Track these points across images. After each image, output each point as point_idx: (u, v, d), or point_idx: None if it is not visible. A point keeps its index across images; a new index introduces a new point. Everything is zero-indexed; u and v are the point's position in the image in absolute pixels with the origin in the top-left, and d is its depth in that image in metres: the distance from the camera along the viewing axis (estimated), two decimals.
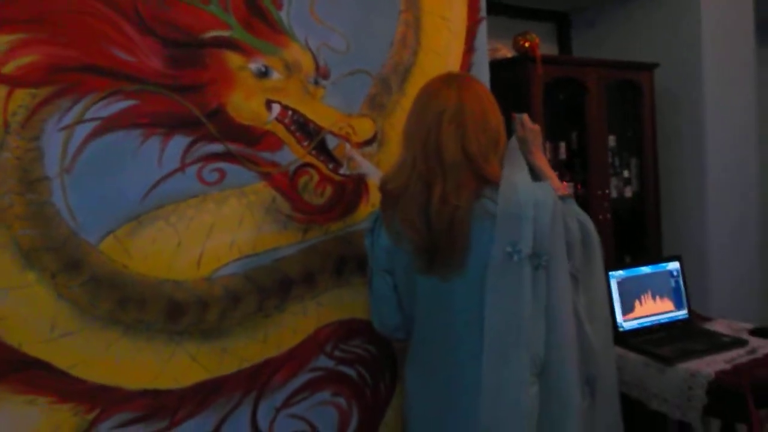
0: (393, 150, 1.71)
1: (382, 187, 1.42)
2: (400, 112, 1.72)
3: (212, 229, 1.44)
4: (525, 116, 1.57)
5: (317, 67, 1.59)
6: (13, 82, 1.23)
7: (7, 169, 1.22)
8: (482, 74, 1.90)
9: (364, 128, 1.67)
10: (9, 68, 1.22)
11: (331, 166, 1.61)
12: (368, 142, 1.68)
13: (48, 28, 1.26)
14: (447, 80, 1.41)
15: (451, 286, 1.32)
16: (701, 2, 2.71)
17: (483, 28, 1.92)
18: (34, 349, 1.25)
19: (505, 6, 2.88)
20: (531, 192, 1.30)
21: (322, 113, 1.60)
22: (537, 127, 1.58)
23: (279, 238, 1.53)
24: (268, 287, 1.51)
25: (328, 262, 1.61)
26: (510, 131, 1.47)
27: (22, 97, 1.24)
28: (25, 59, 1.24)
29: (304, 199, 1.57)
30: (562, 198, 1.44)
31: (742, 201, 2.93)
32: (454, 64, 1.85)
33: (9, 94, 1.23)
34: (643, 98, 2.76)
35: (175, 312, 1.38)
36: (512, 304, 1.27)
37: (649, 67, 2.75)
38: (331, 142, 1.61)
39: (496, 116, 1.36)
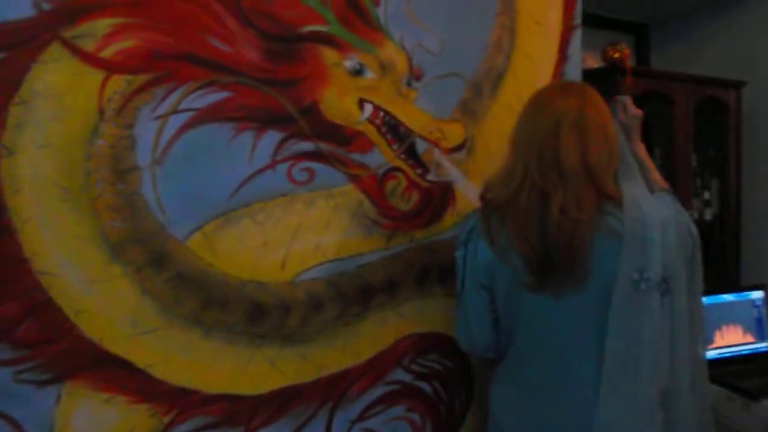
0: (482, 158, 1.63)
1: (484, 196, 1.34)
2: (491, 119, 1.65)
3: (298, 231, 1.38)
4: (628, 99, 1.49)
5: (411, 68, 1.52)
6: (111, 67, 1.19)
7: (100, 157, 1.18)
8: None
9: (455, 134, 1.60)
10: (108, 52, 1.18)
11: (419, 171, 1.54)
12: (457, 149, 1.60)
13: (148, 14, 1.22)
14: (566, 87, 1.33)
15: (566, 304, 1.23)
16: None
17: (577, 36, 1.83)
18: (115, 345, 1.20)
19: (585, 15, 2.78)
20: (657, 211, 1.22)
21: (413, 116, 1.53)
22: (640, 113, 1.51)
23: (363, 244, 1.46)
24: (350, 294, 1.44)
25: (410, 271, 1.53)
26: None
27: (119, 83, 1.20)
28: (124, 44, 1.20)
29: (391, 205, 1.50)
30: (663, 194, 1.36)
31: None
32: (546, 72, 1.76)
33: (106, 80, 1.19)
34: (729, 117, 2.63)
35: (257, 315, 1.33)
36: (638, 334, 1.18)
37: (737, 85, 2.62)
38: (420, 147, 1.54)
39: (613, 129, 1.28)
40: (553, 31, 1.78)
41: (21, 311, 1.13)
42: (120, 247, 1.20)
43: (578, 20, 1.83)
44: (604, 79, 2.16)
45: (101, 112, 1.18)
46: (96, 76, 1.18)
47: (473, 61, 1.63)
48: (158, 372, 1.23)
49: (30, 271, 1.13)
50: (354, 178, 1.44)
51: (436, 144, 1.56)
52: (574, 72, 1.82)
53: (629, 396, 1.19)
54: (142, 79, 1.21)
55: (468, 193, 1.62)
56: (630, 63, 2.05)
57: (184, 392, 1.26)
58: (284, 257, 1.36)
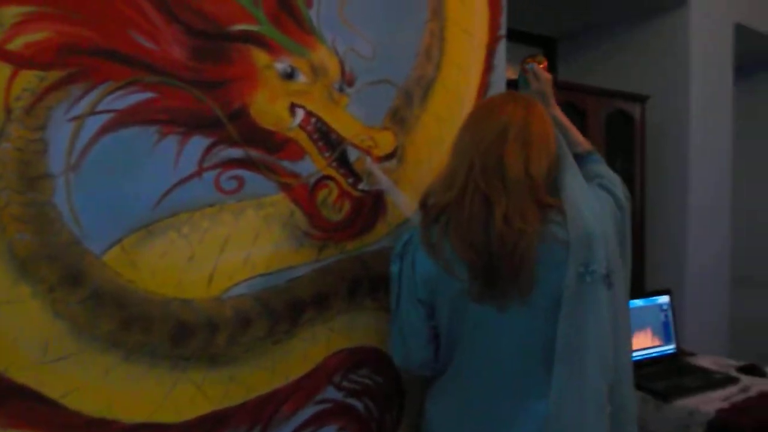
0: (412, 167, 1.60)
1: (425, 203, 1.31)
2: (421, 128, 1.62)
3: (227, 244, 1.29)
4: (536, 66, 1.52)
5: (343, 73, 1.46)
6: (20, 61, 1.05)
7: (6, 162, 1.04)
8: (500, 91, 1.82)
9: (386, 142, 1.55)
10: (16, 45, 1.05)
11: (350, 180, 1.48)
12: (388, 158, 1.56)
13: (63, 3, 1.09)
14: (512, 97, 1.33)
15: (512, 316, 1.22)
16: (689, 36, 2.73)
17: (503, 46, 1.84)
18: (22, 375, 1.06)
19: None
20: (595, 209, 1.23)
21: (345, 123, 1.47)
22: (550, 77, 1.55)
23: (294, 257, 1.39)
24: (280, 310, 1.36)
25: (341, 283, 1.47)
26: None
27: (29, 79, 1.06)
28: (34, 36, 1.07)
29: (323, 215, 1.44)
30: (590, 155, 1.39)
31: (718, 238, 2.96)
32: (474, 81, 1.76)
33: (13, 75, 1.05)
34: (635, 130, 2.75)
35: (182, 335, 1.22)
36: (583, 328, 1.19)
37: (642, 99, 2.75)
38: (351, 155, 1.49)
39: (555, 142, 1.28)
40: (480, 41, 1.78)
41: None
42: (29, 264, 1.06)
43: (503, 31, 1.84)
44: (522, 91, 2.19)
45: (8, 111, 1.04)
46: (2, 70, 1.04)
47: (404, 69, 1.59)
48: (72, 402, 1.11)
49: None
50: (285, 187, 1.37)
51: (367, 152, 1.52)
52: (499, 82, 1.83)
53: (577, 394, 1.19)
54: (55, 75, 1.09)
55: (399, 203, 1.58)
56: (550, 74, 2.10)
57: (102, 423, 1.14)
58: (211, 272, 1.26)
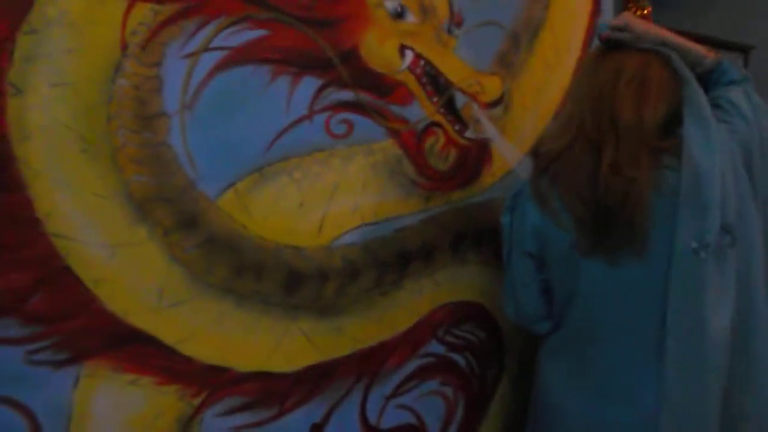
0: (518, 115, 1.51)
1: (537, 151, 1.24)
2: (527, 73, 1.53)
3: (336, 190, 1.23)
4: (624, 15, 1.27)
5: (452, 13, 1.38)
6: None
7: (123, 100, 1.00)
8: None
9: (493, 87, 1.47)
10: None
11: (457, 127, 1.41)
12: (495, 104, 1.48)
13: None
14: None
15: (626, 273, 1.13)
16: None
17: None
18: (141, 319, 1.04)
19: None
20: (713, 161, 1.10)
21: (453, 66, 1.39)
22: (641, 18, 1.41)
23: (401, 206, 1.33)
24: (387, 261, 1.31)
25: (446, 236, 1.41)
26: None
27: (144, 13, 1.02)
28: None
29: (430, 163, 1.37)
30: (718, 66, 1.24)
31: None
32: (581, 25, 1.65)
33: (130, 8, 1.00)
34: None
35: (293, 283, 1.19)
36: (701, 313, 1.09)
37: (746, 49, 2.57)
38: (458, 101, 1.41)
39: (677, 90, 1.17)
40: None
41: (32, 281, 0.95)
42: (146, 207, 1.03)
43: None
44: None
45: (124, 46, 1.00)
46: (118, 2, 0.99)
47: (512, 10, 1.49)
48: (187, 349, 1.08)
49: (43, 233, 0.96)
50: (393, 133, 1.30)
51: (474, 98, 1.43)
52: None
53: (696, 385, 1.10)
54: (170, 9, 1.04)
55: (504, 153, 1.50)
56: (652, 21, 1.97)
57: (216, 371, 1.11)
58: (322, 219, 1.22)
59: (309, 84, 1.18)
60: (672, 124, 1.16)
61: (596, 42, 1.26)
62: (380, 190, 1.29)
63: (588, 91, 1.19)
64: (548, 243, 1.22)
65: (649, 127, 1.13)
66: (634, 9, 1.93)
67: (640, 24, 1.20)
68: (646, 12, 1.92)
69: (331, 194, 1.23)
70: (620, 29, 1.20)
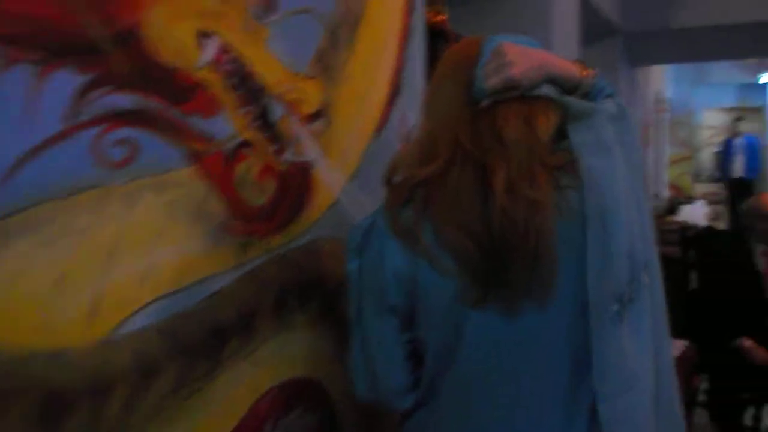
0: (341, 130, 1.20)
1: (391, 179, 0.95)
2: (348, 79, 1.21)
3: (116, 250, 0.78)
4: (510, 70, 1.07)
5: None
6: None
7: None
8: (418, 41, 1.47)
9: (312, 95, 1.13)
10: None
11: (275, 147, 1.04)
12: (316, 116, 1.14)
13: None
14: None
15: (524, 323, 0.89)
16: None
17: None
18: None
19: None
20: (614, 178, 0.92)
21: (268, 65, 1.02)
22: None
23: (211, 262, 0.92)
24: (195, 345, 0.89)
25: (268, 296, 1.03)
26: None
27: None
28: None
29: (243, 198, 0.98)
30: (597, 83, 1.00)
31: None
32: (396, 24, 1.39)
33: None
34: None
35: (53, 412, 0.71)
36: (624, 365, 0.90)
37: None
38: (275, 114, 1.04)
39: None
40: None
41: None
42: None
43: None
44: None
45: None
46: None
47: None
48: None
49: None
50: (195, 157, 0.89)
51: (294, 108, 1.08)
52: (419, 26, 1.47)
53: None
54: None
55: (328, 179, 1.17)
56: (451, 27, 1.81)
57: None
58: (95, 300, 0.76)
59: (65, 81, 0.72)
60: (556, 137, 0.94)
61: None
62: (181, 243, 0.87)
63: (456, 103, 0.93)
64: (420, 293, 0.93)
65: (542, 140, 0.90)
66: (431, 14, 1.75)
67: (527, 70, 0.95)
68: (443, 18, 1.75)
69: (109, 257, 0.77)
70: (509, 89, 0.94)
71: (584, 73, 1.04)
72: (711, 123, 9.72)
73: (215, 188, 0.92)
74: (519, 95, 0.93)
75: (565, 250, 0.88)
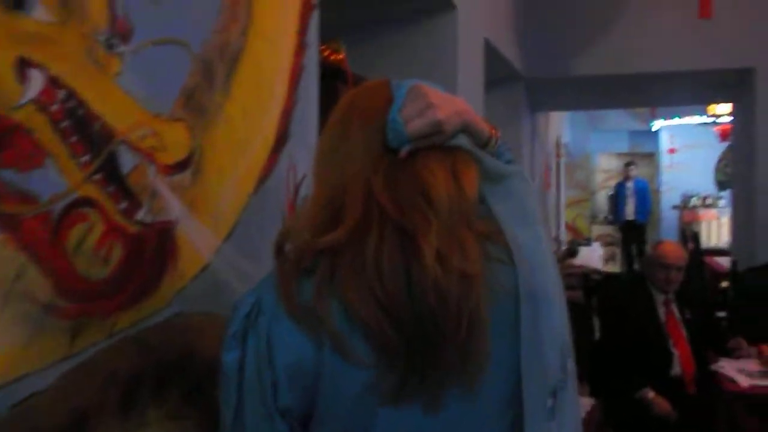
0: (213, 183, 1.02)
1: (283, 247, 0.78)
2: (223, 124, 1.05)
3: None
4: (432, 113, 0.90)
5: (113, 17, 0.83)
6: None
7: None
8: (311, 82, 1.32)
9: (177, 141, 0.95)
10: None
11: (123, 205, 0.85)
12: (181, 166, 0.96)
13: None
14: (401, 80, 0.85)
15: (447, 420, 0.74)
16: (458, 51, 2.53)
17: (315, 20, 1.35)
18: None
19: None
20: (543, 249, 0.81)
21: (116, 105, 0.84)
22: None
23: (28, 357, 0.72)
24: None
25: (111, 390, 0.83)
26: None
27: None
28: None
29: (78, 271, 0.78)
30: (498, 151, 0.87)
31: None
32: (286, 63, 1.23)
33: None
34: None
35: None
36: None
37: None
38: (125, 162, 0.86)
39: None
40: (292, 7, 1.26)
41: None
42: None
43: None
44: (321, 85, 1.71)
45: None
46: None
47: (202, 27, 1.00)
48: None
49: None
50: (8, 222, 0.69)
51: (151, 157, 0.89)
52: (312, 66, 1.33)
53: None
54: None
55: (196, 240, 0.98)
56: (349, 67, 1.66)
57: None
58: None
59: None
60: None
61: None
62: None
63: (367, 155, 0.78)
64: (322, 387, 0.74)
65: (470, 200, 0.77)
66: (327, 53, 1.61)
67: (451, 115, 0.81)
68: (341, 57, 1.61)
69: None
70: (434, 135, 0.80)
71: (493, 131, 0.92)
72: (605, 167, 10.15)
73: (37, 260, 0.72)
74: (440, 143, 0.80)
75: (496, 335, 0.74)
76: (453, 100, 0.84)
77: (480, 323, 0.72)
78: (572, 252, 5.61)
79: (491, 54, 3.19)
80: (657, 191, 9.56)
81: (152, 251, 0.90)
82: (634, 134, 10.20)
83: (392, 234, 0.73)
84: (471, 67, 2.78)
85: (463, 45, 2.61)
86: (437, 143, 0.80)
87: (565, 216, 8.29)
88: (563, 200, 7.98)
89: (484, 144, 0.87)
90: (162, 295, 0.92)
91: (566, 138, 8.18)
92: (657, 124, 9.47)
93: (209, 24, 1.01)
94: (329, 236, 0.74)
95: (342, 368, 0.73)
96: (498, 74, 3.89)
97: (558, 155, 7.20)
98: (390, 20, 2.57)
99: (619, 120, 9.41)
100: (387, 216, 0.74)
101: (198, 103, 0.99)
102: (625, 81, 4.50)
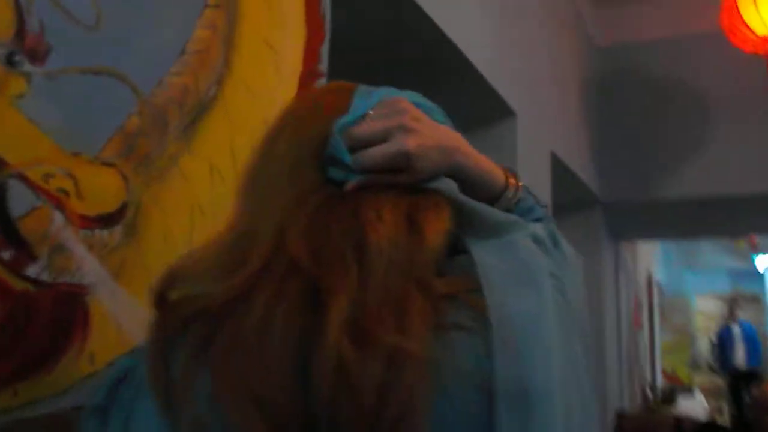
0: (154, 247, 0.83)
1: (164, 294, 0.55)
2: (178, 180, 0.88)
3: None
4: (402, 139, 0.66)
5: (22, 31, 0.70)
6: None
7: None
8: None
9: (103, 189, 0.78)
10: None
11: (10, 254, 0.67)
12: (107, 220, 0.78)
13: None
14: (339, 88, 0.66)
15: None
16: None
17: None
18: None
19: None
20: (547, 327, 0.53)
21: (12, 130, 0.69)
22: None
23: None
24: None
25: None
26: None
27: None
28: None
29: None
30: (516, 202, 0.67)
31: None
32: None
33: None
34: None
35: None
36: None
37: None
38: (20, 203, 0.69)
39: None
40: (291, 67, 1.12)
41: None
42: None
43: (324, 65, 1.20)
44: None
45: None
46: None
47: (156, 68, 0.86)
48: None
49: None
50: None
51: (57, 201, 0.73)
52: None
53: None
54: None
55: (120, 315, 0.78)
56: None
57: None
58: None
59: None
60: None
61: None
62: None
63: (294, 182, 0.58)
64: None
65: (430, 252, 0.54)
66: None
67: (430, 149, 0.61)
68: None
69: None
70: (395, 171, 0.60)
71: (511, 180, 0.69)
72: (704, 309, 9.36)
73: None
74: (405, 185, 0.59)
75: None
76: (445, 131, 0.63)
77: (413, 427, 0.46)
78: (670, 398, 5.01)
79: (561, 171, 2.98)
80: (766, 336, 8.66)
81: (47, 320, 0.71)
82: (735, 273, 9.42)
83: (296, 293, 0.50)
84: (535, 181, 2.57)
85: (524, 153, 2.43)
86: (401, 183, 0.59)
87: (662, 362, 7.58)
88: (658, 343, 7.33)
89: (494, 197, 0.66)
90: (55, 380, 0.71)
91: (659, 276, 7.65)
92: (761, 261, 8.75)
93: (165, 64, 0.87)
94: (218, 285, 0.52)
95: None
96: (571, 197, 3.65)
97: (650, 293, 6.69)
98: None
99: (716, 257, 8.77)
100: (295, 266, 0.52)
101: (140, 150, 0.83)
102: (719, 204, 4.01)
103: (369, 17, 1.66)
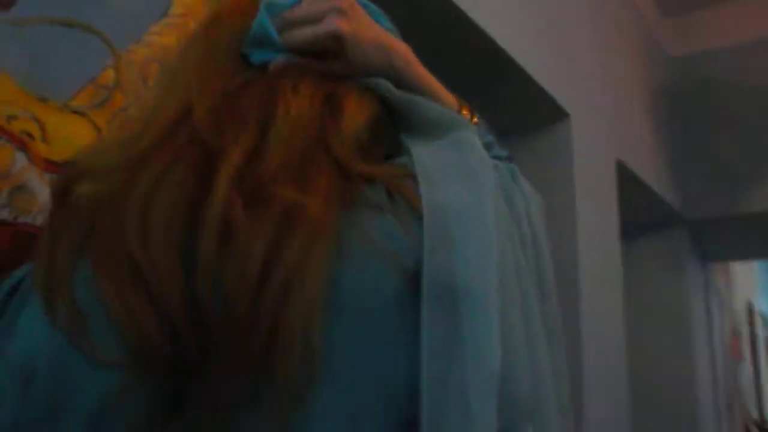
0: None
1: (66, 188, 0.50)
2: None
3: None
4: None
5: None
6: None
7: None
8: None
9: (71, 136, 0.78)
10: None
11: None
12: None
13: None
14: None
15: None
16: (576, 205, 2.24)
17: None
18: None
19: None
20: (488, 222, 0.47)
21: None
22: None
23: None
24: None
25: None
26: None
27: None
28: None
29: None
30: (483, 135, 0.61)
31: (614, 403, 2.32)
32: None
33: None
34: None
35: None
36: None
37: None
38: None
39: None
40: None
41: None
42: None
43: None
44: None
45: None
46: None
47: (135, 27, 0.87)
48: None
49: None
50: None
51: (20, 143, 0.73)
52: None
53: None
54: None
55: None
56: None
57: None
58: None
59: None
60: (375, 147, 0.54)
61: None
62: None
63: (210, 65, 0.55)
64: (58, 396, 0.44)
65: (346, 133, 0.50)
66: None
67: (367, 39, 0.57)
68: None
69: None
70: (324, 52, 0.57)
71: (464, 111, 0.65)
72: None
73: None
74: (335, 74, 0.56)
75: (349, 326, 0.43)
76: (388, 35, 0.60)
77: (312, 303, 0.41)
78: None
79: (632, 183, 2.82)
80: None
81: (5, 259, 0.71)
82: None
83: (193, 162, 0.47)
84: (596, 189, 2.44)
85: (583, 157, 2.32)
86: (332, 72, 0.56)
87: None
88: (765, 380, 6.75)
89: None
90: None
91: (761, 306, 7.10)
92: None
93: (144, 24, 0.88)
94: (115, 161, 0.49)
95: (80, 369, 0.44)
96: (651, 216, 3.45)
97: (751, 322, 6.20)
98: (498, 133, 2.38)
99: None
100: (197, 138, 0.48)
101: (116, 103, 0.83)
102: None
103: (412, 19, 1.64)
